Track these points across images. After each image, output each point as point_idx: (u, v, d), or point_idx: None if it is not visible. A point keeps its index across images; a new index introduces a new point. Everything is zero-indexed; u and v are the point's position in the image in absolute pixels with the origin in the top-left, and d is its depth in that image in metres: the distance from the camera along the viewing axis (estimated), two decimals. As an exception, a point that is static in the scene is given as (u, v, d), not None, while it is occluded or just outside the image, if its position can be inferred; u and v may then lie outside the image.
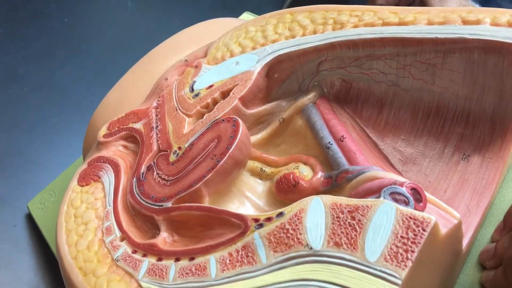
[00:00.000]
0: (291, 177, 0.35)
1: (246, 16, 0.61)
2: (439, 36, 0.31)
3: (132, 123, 0.40)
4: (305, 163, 0.36)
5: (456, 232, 0.27)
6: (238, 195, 0.36)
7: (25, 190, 0.56)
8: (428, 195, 0.27)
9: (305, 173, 0.35)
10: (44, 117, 0.65)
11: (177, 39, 0.48)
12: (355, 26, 0.35)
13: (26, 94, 0.68)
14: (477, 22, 0.31)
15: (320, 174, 0.34)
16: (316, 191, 0.34)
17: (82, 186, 0.37)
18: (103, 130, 0.40)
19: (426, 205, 0.27)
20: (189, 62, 0.42)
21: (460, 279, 0.31)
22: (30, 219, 0.53)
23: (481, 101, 0.33)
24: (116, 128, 0.40)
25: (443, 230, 0.25)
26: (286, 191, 0.35)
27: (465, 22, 0.31)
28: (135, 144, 0.39)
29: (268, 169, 0.37)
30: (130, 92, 0.45)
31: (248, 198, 0.36)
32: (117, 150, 0.39)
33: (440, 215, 0.27)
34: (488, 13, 0.31)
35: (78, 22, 0.81)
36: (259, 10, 0.80)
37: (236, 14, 0.80)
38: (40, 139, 0.62)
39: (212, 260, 0.28)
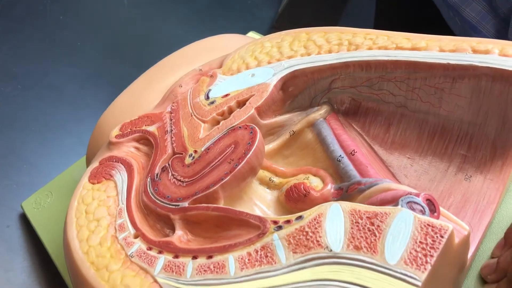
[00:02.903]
0: (301, 187, 0.36)
1: (252, 35, 0.63)
2: (451, 62, 0.34)
3: (145, 125, 0.40)
4: (314, 175, 0.37)
5: (465, 243, 0.29)
6: (247, 202, 0.37)
7: (18, 190, 0.55)
8: (442, 209, 0.29)
9: (315, 183, 0.36)
10: (37, 116, 0.64)
11: (187, 50, 0.49)
12: (369, 48, 0.37)
13: (20, 93, 0.67)
14: (486, 52, 0.33)
15: (330, 185, 0.36)
16: (326, 201, 0.35)
17: (93, 183, 0.37)
18: (115, 131, 0.41)
19: (440, 216, 0.28)
20: (204, 71, 0.43)
21: (462, 292, 0.33)
22: (23, 219, 0.52)
23: (484, 126, 0.35)
24: (129, 130, 0.41)
25: (456, 239, 0.27)
26: (296, 200, 0.36)
27: (475, 51, 0.34)
28: (148, 147, 0.40)
29: (276, 179, 0.39)
30: (139, 98, 0.46)
31: (257, 206, 0.37)
32: (129, 151, 0.40)
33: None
34: (496, 44, 0.33)
35: (73, 19, 0.81)
36: (256, 8, 0.82)
37: (233, 13, 0.82)
38: (33, 139, 0.61)
39: (230, 259, 0.29)
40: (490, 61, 0.33)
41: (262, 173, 0.38)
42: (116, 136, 0.40)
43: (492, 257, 0.33)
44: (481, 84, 0.34)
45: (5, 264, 0.49)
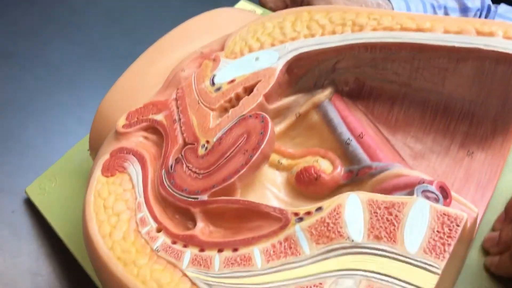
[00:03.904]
0: (312, 171, 0.37)
1: (243, 4, 0.62)
2: (456, 45, 0.34)
3: (152, 114, 0.40)
4: (323, 157, 0.39)
5: (474, 224, 0.31)
6: (259, 187, 0.38)
7: (20, 174, 0.54)
8: (452, 192, 0.31)
9: (325, 166, 0.38)
10: (36, 97, 0.62)
11: (185, 28, 0.48)
12: (374, 29, 0.38)
13: (16, 73, 0.65)
14: (490, 34, 0.34)
15: (339, 168, 0.37)
16: (337, 184, 0.37)
17: (107, 176, 0.38)
18: (121, 121, 0.41)
19: (451, 201, 0.30)
20: (205, 54, 0.43)
21: (467, 263, 0.35)
22: (28, 204, 0.52)
23: (485, 104, 0.36)
24: (136, 119, 0.41)
25: (468, 223, 0.29)
26: (307, 184, 0.37)
27: (479, 33, 0.34)
28: (156, 135, 0.40)
29: (285, 161, 0.40)
30: (139, 81, 0.45)
31: (269, 190, 0.38)
32: (138, 141, 0.40)
33: (461, 209, 0.31)
34: (500, 26, 0.34)
35: (69, -6, 0.78)
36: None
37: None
38: (33, 120, 0.59)
39: (256, 251, 0.30)
40: (494, 44, 0.33)
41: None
42: (124, 126, 0.40)
43: (493, 230, 0.36)
44: (485, 66, 0.35)
45: (12, 249, 0.49)
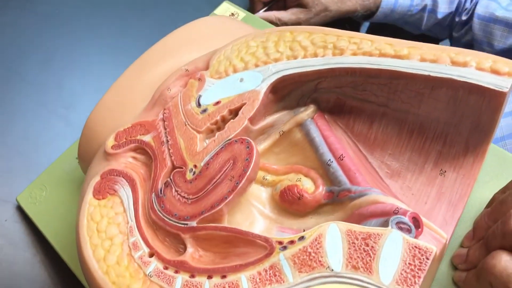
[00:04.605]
0: (295, 190, 0.39)
1: (226, 5, 0.62)
2: (431, 74, 0.36)
3: (140, 135, 0.42)
4: (305, 175, 0.41)
5: (443, 248, 0.34)
6: (245, 205, 0.40)
7: (12, 181, 0.55)
8: (423, 219, 0.33)
9: (308, 185, 0.40)
10: (22, 99, 0.62)
11: (167, 42, 0.48)
12: (354, 54, 0.39)
13: (1, 74, 0.63)
14: (464, 64, 0.36)
15: (321, 188, 0.39)
16: (318, 203, 0.39)
17: (98, 199, 0.39)
18: (110, 141, 0.42)
19: (423, 229, 0.32)
20: (190, 72, 0.44)
21: (437, 277, 0.38)
22: (20, 212, 0.54)
23: (458, 126, 0.38)
24: (124, 140, 0.42)
25: (437, 251, 0.31)
26: (290, 202, 0.39)
27: (453, 63, 0.36)
28: (144, 156, 0.41)
29: (269, 177, 0.42)
30: (125, 97, 0.46)
31: (254, 206, 0.41)
32: (127, 162, 0.41)
33: (432, 236, 0.33)
34: (473, 56, 0.36)
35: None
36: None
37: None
38: (20, 124, 0.59)
39: (243, 278, 0.32)
40: (467, 75, 0.35)
41: (255, 173, 0.41)
42: (112, 147, 0.42)
43: (462, 246, 0.39)
44: (458, 94, 0.36)
45: (8, 258, 0.51)
